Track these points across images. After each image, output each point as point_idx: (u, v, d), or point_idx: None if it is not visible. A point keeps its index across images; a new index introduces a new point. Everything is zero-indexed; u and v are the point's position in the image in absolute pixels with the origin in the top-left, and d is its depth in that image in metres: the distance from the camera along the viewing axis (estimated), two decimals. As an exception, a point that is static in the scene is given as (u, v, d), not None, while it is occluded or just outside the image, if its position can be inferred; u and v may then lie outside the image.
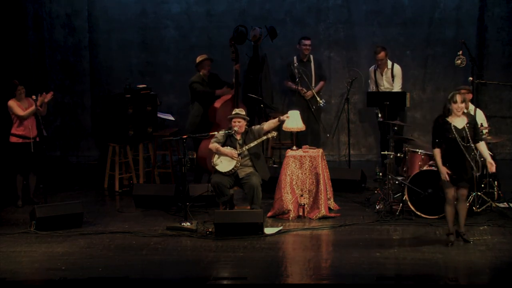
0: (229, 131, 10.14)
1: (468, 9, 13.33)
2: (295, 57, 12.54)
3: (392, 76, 12.16)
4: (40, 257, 8.92)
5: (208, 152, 10.96)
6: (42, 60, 13.86)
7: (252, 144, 10.08)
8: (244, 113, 10.24)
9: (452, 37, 13.21)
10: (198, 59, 11.62)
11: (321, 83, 12.61)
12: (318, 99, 12.30)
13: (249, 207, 9.99)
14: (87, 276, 8.16)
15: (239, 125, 10.12)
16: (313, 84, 12.47)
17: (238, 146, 10.12)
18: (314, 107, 12.40)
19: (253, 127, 10.27)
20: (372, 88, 12.27)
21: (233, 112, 10.26)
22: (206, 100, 11.50)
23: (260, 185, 9.98)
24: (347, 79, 12.43)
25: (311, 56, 12.59)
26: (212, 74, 11.74)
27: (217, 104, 11.49)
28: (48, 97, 10.77)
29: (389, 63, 12.20)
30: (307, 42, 12.49)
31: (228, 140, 10.16)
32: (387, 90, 12.14)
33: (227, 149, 10.08)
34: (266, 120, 12.80)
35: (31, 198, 10.87)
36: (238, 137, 10.16)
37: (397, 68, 12.22)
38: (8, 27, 13.18)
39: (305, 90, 12.37)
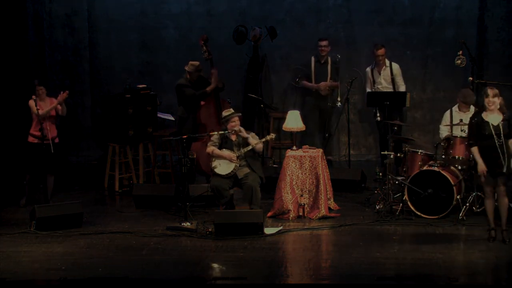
0: (225, 132, 10.12)
1: (468, 9, 13.33)
2: (312, 57, 12.50)
3: (392, 75, 12.15)
4: (40, 257, 8.92)
5: (200, 153, 10.95)
6: (42, 60, 13.86)
7: (250, 147, 10.08)
8: (233, 111, 10.22)
9: (452, 37, 13.20)
10: (191, 67, 11.38)
11: (336, 83, 12.56)
12: (339, 98, 12.26)
13: (249, 207, 10.00)
14: (87, 276, 8.17)
15: (237, 123, 10.12)
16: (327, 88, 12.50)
17: (234, 147, 10.12)
18: (330, 103, 12.40)
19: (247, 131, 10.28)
20: (371, 88, 12.25)
21: (227, 113, 10.20)
22: (194, 103, 11.39)
23: (259, 185, 9.98)
24: (347, 79, 12.42)
25: (329, 58, 12.52)
26: (199, 76, 11.59)
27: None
28: (64, 96, 10.78)
29: (387, 61, 12.20)
30: (323, 43, 12.44)
31: (224, 142, 10.15)
32: (385, 89, 12.13)
33: (225, 152, 10.07)
34: (266, 120, 12.86)
35: (48, 199, 10.69)
36: (234, 138, 10.16)
37: (396, 67, 12.21)
38: (8, 27, 13.17)
39: (330, 82, 12.35)
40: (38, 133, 10.67)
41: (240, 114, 10.25)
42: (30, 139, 10.78)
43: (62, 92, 10.78)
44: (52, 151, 10.59)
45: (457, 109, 10.68)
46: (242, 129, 10.12)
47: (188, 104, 11.37)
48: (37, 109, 10.55)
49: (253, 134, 10.30)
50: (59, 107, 10.73)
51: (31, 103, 10.68)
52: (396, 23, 13.46)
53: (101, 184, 12.07)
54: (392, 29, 13.44)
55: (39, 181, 10.92)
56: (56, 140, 10.83)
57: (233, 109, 10.41)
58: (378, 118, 11.59)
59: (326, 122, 12.64)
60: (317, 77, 12.53)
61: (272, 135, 10.39)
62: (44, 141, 10.52)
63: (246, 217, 9.54)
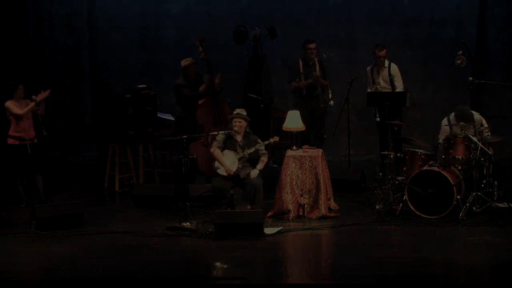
0: (229, 131, 10.14)
1: (468, 9, 13.34)
2: (300, 60, 12.23)
3: (390, 75, 12.12)
4: (40, 257, 8.91)
5: (198, 153, 10.95)
6: (42, 60, 13.87)
7: (253, 149, 10.10)
8: (245, 113, 10.24)
9: (452, 37, 13.21)
10: (184, 63, 11.37)
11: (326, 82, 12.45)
12: (330, 96, 12.15)
13: (249, 207, 10.01)
14: (87, 276, 8.17)
15: (239, 125, 10.13)
16: (317, 88, 12.34)
17: (238, 148, 10.13)
18: (323, 104, 12.28)
19: (253, 135, 10.28)
20: (370, 87, 12.20)
21: (234, 112, 10.25)
22: (191, 103, 11.39)
23: (262, 185, 10.00)
24: (347, 79, 12.39)
25: (315, 59, 12.27)
26: (197, 74, 11.55)
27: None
28: (45, 94, 10.69)
29: (386, 62, 12.17)
30: (312, 45, 12.17)
31: (228, 142, 10.16)
32: (383, 89, 12.10)
33: (226, 165, 10.05)
34: (266, 120, 12.83)
35: (42, 200, 10.72)
36: (239, 138, 10.17)
37: (395, 68, 12.17)
38: (8, 27, 13.18)
39: (319, 77, 12.12)
40: (18, 134, 10.61)
41: (248, 118, 10.22)
42: (11, 141, 10.66)
43: (42, 91, 10.67)
44: (29, 152, 10.54)
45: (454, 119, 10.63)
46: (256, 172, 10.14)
47: (186, 104, 11.38)
48: (37, 109, 10.53)
49: (260, 143, 10.28)
50: (38, 107, 10.61)
51: (9, 104, 10.61)
52: (396, 23, 13.47)
53: (101, 184, 12.07)
54: (392, 29, 13.45)
55: (29, 182, 10.89)
56: (35, 141, 10.73)
57: (232, 109, 10.44)
58: (378, 119, 11.56)
59: (320, 124, 12.46)
60: (307, 79, 12.41)
61: (276, 138, 10.38)
62: (27, 141, 10.50)
63: (246, 217, 9.54)
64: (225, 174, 10.05)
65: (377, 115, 11.51)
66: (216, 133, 10.27)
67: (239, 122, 10.13)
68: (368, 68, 12.32)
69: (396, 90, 12.03)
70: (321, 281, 8.14)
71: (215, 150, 10.15)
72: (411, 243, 9.18)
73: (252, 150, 10.11)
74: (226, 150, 10.15)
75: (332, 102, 12.12)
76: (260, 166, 10.15)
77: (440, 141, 10.49)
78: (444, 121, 10.67)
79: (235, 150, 10.11)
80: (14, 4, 13.38)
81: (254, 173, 10.06)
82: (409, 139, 10.75)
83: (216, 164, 10.11)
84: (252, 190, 9.92)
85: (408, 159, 10.44)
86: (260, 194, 9.93)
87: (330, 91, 12.19)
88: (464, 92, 12.49)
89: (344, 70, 13.24)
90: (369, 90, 12.17)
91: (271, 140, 10.35)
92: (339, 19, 13.55)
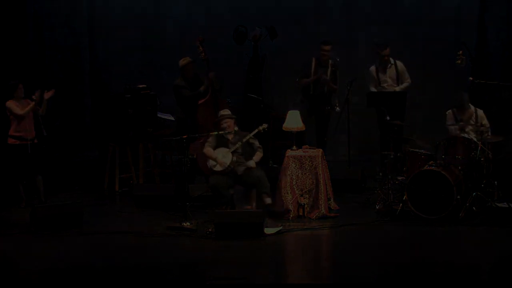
0: (220, 132, 10.18)
1: (468, 9, 13.34)
2: (314, 58, 12.14)
3: (397, 73, 12.07)
4: (40, 257, 8.92)
5: (197, 152, 10.98)
6: (42, 60, 13.86)
7: (244, 140, 10.14)
8: (229, 112, 10.27)
9: (452, 37, 13.21)
10: (182, 62, 11.38)
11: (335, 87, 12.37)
12: (337, 103, 12.08)
13: (249, 207, 10.02)
14: (87, 276, 8.17)
15: (226, 125, 10.19)
16: (325, 90, 12.25)
17: (230, 145, 10.18)
18: (328, 107, 12.21)
19: (243, 131, 10.33)
20: (376, 87, 12.11)
21: (219, 114, 10.30)
22: (191, 103, 11.38)
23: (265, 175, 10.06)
24: (347, 79, 12.36)
25: (329, 61, 12.10)
26: (195, 74, 11.51)
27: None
28: (49, 94, 10.71)
29: (391, 59, 12.11)
30: (326, 47, 12.02)
31: (220, 141, 10.21)
32: (391, 87, 12.03)
33: (219, 159, 10.13)
34: (266, 120, 12.81)
35: (42, 200, 10.74)
36: (230, 136, 10.23)
37: (401, 64, 12.12)
38: (8, 27, 13.18)
39: (329, 82, 12.05)
40: (18, 134, 10.61)
41: (233, 116, 10.28)
42: (11, 141, 10.67)
43: (46, 91, 10.67)
44: (29, 152, 10.55)
45: (456, 111, 10.70)
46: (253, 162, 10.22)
47: (185, 104, 11.38)
48: (38, 108, 10.53)
49: (250, 136, 10.31)
50: (39, 107, 10.60)
51: (9, 103, 10.60)
52: (396, 23, 13.46)
53: (101, 184, 12.07)
54: (392, 29, 13.45)
55: (29, 182, 10.90)
56: (36, 141, 10.73)
57: (231, 109, 10.45)
58: (388, 117, 11.49)
59: (323, 126, 12.41)
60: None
61: (265, 125, 10.37)
62: (28, 141, 10.51)
63: (246, 217, 9.54)
64: (220, 169, 10.08)
65: (387, 114, 11.43)
66: (216, 133, 10.29)
67: (225, 122, 10.20)
68: (371, 68, 12.21)
69: (405, 84, 11.97)
70: (321, 281, 8.14)
71: (207, 150, 10.20)
72: (411, 243, 9.18)
73: (244, 140, 10.14)
74: (219, 148, 10.19)
75: (338, 108, 12.04)
76: (256, 158, 10.22)
77: (449, 130, 10.52)
78: (449, 112, 10.72)
79: (226, 147, 10.17)
80: (14, 5, 13.37)
81: (252, 163, 10.10)
82: (409, 139, 10.76)
83: (211, 162, 10.14)
84: (256, 179, 9.99)
85: (408, 159, 10.44)
86: (266, 182, 9.98)
87: (337, 97, 12.12)
88: (464, 92, 12.49)
89: (344, 70, 13.22)
90: (374, 90, 12.09)
91: (260, 128, 10.34)
92: (339, 19, 13.54)
